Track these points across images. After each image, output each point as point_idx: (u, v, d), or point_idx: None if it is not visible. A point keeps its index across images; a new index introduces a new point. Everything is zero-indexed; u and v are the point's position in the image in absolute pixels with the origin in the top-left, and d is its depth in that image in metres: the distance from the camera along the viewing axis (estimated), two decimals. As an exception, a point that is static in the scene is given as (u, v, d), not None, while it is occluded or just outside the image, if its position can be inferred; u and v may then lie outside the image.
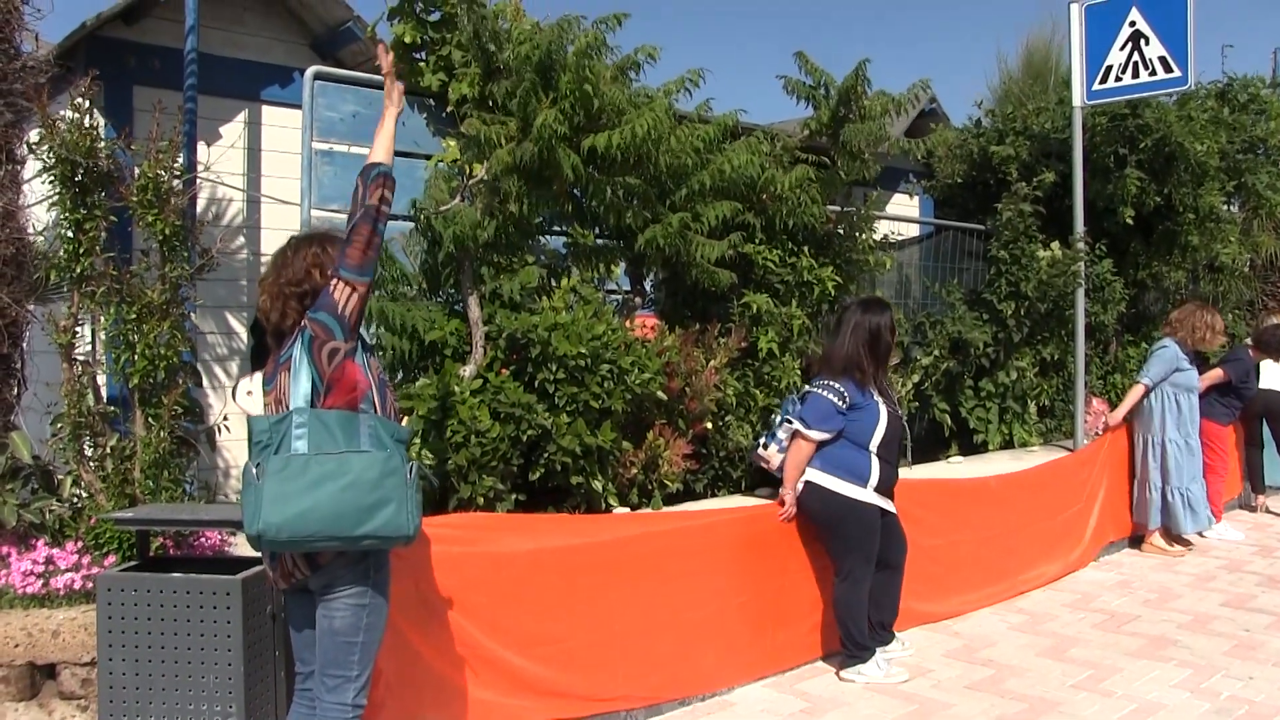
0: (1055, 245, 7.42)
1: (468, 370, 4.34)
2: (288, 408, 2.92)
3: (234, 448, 6.44)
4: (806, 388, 4.94)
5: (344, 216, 4.80)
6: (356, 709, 2.97)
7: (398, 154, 5.02)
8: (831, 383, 4.77)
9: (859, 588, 4.78)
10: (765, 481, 5.39)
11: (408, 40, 4.96)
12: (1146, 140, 7.90)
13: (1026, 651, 5.20)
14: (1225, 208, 9.14)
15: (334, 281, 2.97)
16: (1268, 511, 8.78)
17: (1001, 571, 6.14)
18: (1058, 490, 6.74)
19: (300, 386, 2.89)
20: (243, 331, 6.71)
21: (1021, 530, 6.32)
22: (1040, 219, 7.53)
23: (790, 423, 4.83)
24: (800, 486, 4.79)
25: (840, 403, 4.73)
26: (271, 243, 6.79)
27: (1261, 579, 6.68)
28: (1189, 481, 7.19)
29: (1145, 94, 7.32)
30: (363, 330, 3.06)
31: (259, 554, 3.41)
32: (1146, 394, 7.27)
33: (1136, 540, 7.52)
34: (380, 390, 3.04)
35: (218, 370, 6.67)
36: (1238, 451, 8.85)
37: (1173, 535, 7.38)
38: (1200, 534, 7.56)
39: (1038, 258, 7.32)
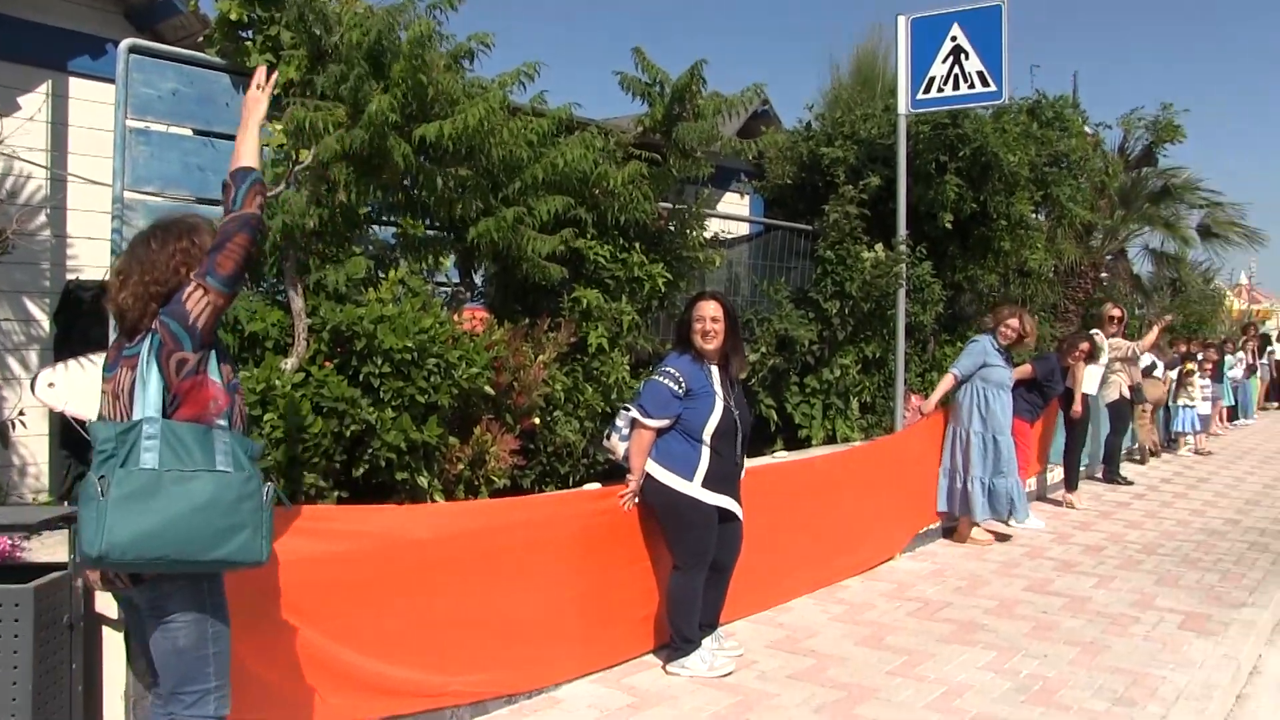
0: (879, 247, 7.68)
1: (289, 363, 4.18)
2: (126, 406, 2.73)
3: (30, 444, 6.06)
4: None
5: (161, 200, 4.60)
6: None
7: (222, 136, 4.84)
8: (669, 369, 4.79)
9: (690, 582, 4.82)
10: (596, 477, 5.40)
11: (233, 17, 4.73)
12: (965, 149, 8.27)
13: (846, 640, 5.37)
14: (1034, 216, 9.66)
15: (193, 287, 2.76)
16: (1072, 506, 9.36)
17: (824, 554, 6.34)
18: (878, 470, 7.01)
19: (150, 394, 2.68)
20: (44, 319, 6.31)
21: (842, 511, 6.53)
22: (865, 221, 7.78)
23: (628, 410, 4.84)
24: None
25: (677, 388, 4.74)
26: (78, 225, 6.41)
27: (1058, 564, 7.12)
28: (992, 475, 7.56)
29: (964, 105, 7.69)
30: None
31: (57, 561, 3.21)
32: (957, 384, 7.63)
33: (949, 530, 7.88)
34: (233, 400, 2.85)
35: (13, 360, 6.25)
36: (1040, 446, 9.41)
37: (982, 524, 7.77)
38: (1006, 523, 7.98)
39: (862, 258, 7.57)
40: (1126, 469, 11.27)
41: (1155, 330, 11.48)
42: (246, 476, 2.72)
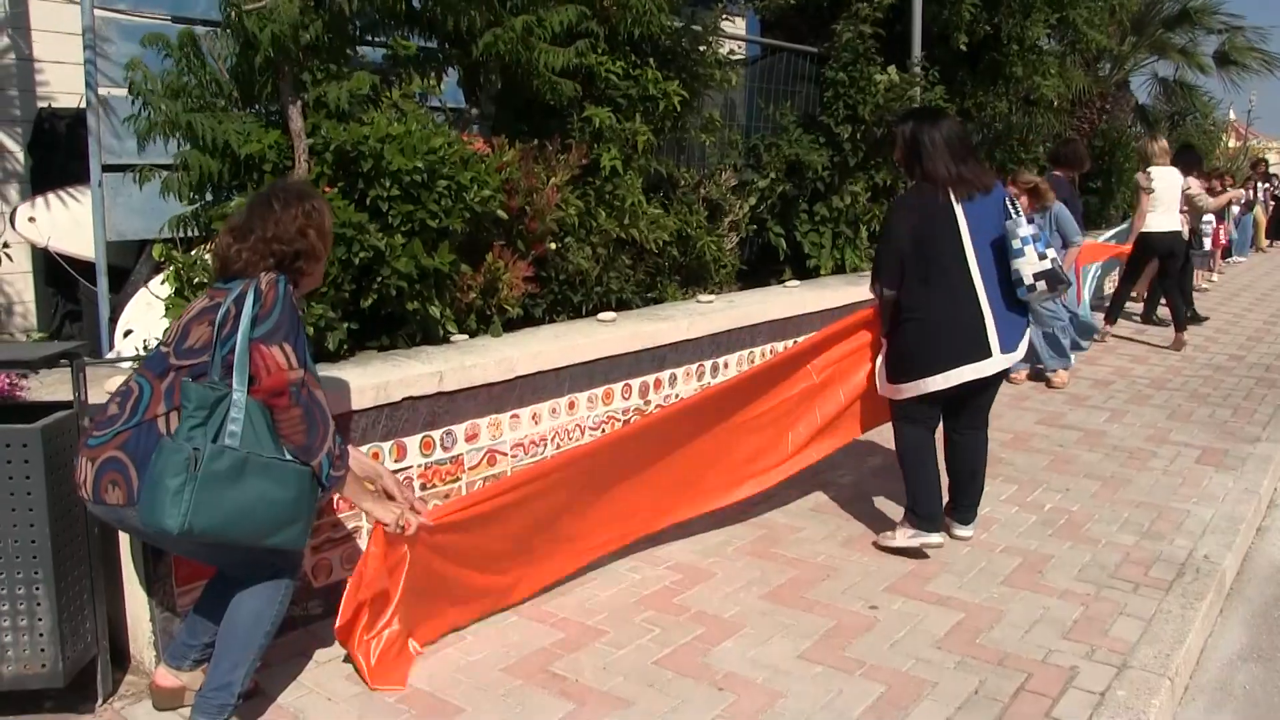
0: (892, 70, 7.31)
1: (291, 186, 3.90)
2: (204, 337, 2.62)
3: (15, 281, 5.79)
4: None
5: (134, 20, 4.21)
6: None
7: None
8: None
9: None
10: (608, 306, 5.16)
11: None
12: (982, -35, 7.82)
13: (864, 474, 5.32)
14: (1047, 41, 9.24)
15: (269, 348, 2.62)
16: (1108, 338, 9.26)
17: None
18: None
19: (243, 364, 2.58)
20: (18, 150, 5.93)
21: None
22: (879, 42, 7.38)
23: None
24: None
25: None
26: (44, 46, 5.96)
27: (1067, 398, 7.04)
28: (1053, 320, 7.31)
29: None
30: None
31: (60, 400, 3.01)
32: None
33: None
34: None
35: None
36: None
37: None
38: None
39: (876, 81, 7.20)
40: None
41: (1227, 196, 11.19)
42: (308, 471, 2.67)
